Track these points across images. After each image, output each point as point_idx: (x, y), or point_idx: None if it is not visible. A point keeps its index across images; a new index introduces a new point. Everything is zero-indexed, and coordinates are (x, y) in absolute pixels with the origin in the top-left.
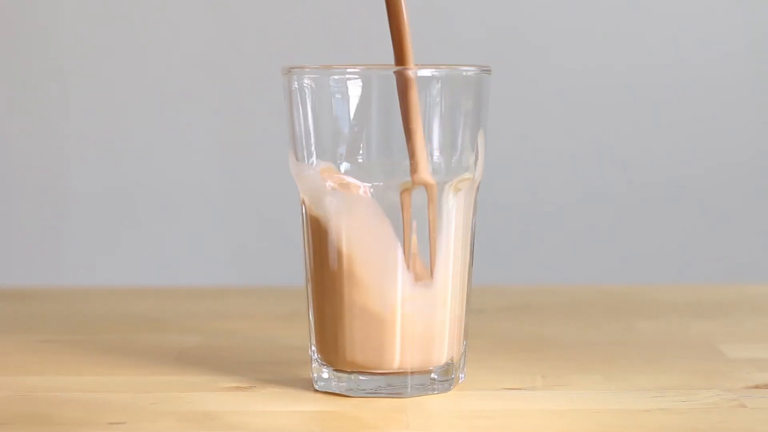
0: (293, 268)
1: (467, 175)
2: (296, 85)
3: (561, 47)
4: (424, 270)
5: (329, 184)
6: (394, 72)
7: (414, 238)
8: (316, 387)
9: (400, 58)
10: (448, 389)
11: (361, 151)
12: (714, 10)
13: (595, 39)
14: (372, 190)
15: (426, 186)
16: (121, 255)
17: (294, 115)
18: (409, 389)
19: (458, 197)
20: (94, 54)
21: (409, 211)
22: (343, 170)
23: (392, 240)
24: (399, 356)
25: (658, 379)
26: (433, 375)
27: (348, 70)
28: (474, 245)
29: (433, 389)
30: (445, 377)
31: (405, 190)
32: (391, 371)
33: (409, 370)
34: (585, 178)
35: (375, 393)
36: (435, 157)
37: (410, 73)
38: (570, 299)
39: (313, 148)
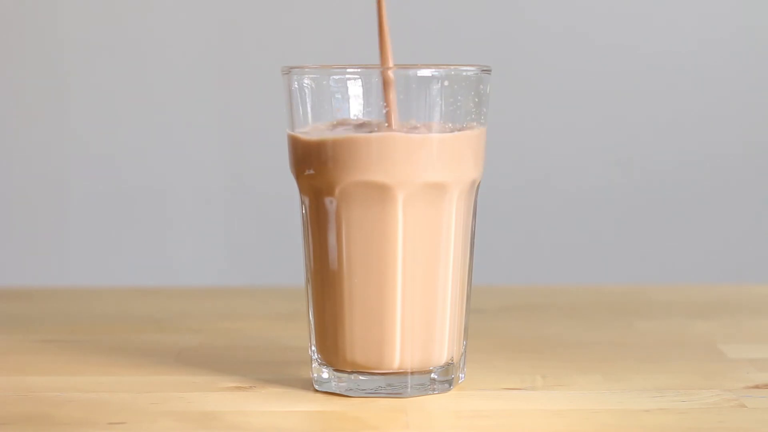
0: (293, 269)
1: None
2: (296, 85)
3: (561, 47)
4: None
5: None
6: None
7: None
8: (316, 387)
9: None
10: (448, 389)
11: None
12: (714, 11)
13: (595, 39)
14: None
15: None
16: (122, 255)
17: (294, 115)
18: (409, 389)
19: (458, 197)
20: (93, 54)
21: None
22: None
23: (392, 241)
24: (399, 356)
25: (658, 379)
26: (433, 375)
27: (348, 69)
28: (474, 245)
29: (433, 389)
30: (445, 377)
31: None
32: (391, 371)
33: (409, 370)
34: (585, 178)
35: (375, 393)
36: None
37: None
38: (570, 299)
39: None
